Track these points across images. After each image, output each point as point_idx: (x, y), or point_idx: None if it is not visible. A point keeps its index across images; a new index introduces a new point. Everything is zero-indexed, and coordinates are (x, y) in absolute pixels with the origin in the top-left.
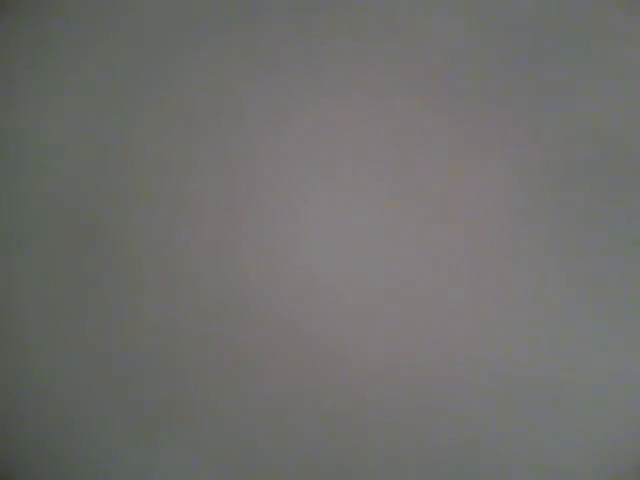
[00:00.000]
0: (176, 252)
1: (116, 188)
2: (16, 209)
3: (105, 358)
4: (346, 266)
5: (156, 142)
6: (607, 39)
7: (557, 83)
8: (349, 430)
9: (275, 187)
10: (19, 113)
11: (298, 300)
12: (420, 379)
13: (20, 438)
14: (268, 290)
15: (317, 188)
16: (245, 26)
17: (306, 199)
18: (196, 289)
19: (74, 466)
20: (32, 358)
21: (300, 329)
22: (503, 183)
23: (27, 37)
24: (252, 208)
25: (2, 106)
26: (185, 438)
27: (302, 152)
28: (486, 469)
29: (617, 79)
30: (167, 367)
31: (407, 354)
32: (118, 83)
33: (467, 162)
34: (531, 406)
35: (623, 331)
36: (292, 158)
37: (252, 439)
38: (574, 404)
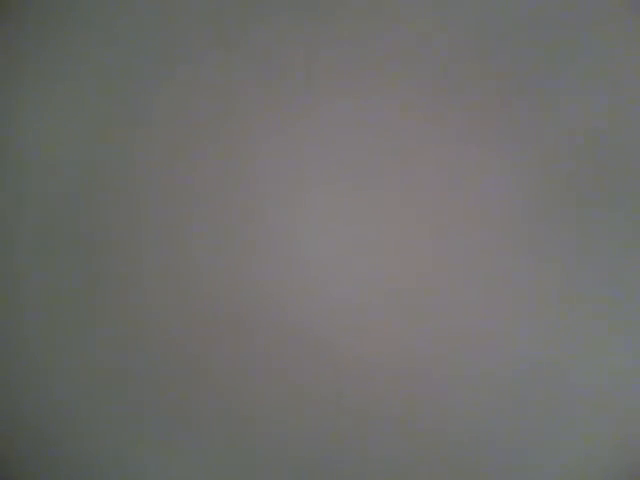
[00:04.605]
0: (179, 253)
1: (118, 190)
2: (17, 209)
3: (107, 358)
4: (347, 267)
5: (157, 144)
6: (607, 40)
7: (557, 83)
8: (352, 428)
9: (276, 188)
10: (20, 115)
11: (300, 300)
12: (422, 378)
13: (20, 438)
14: (271, 291)
15: (318, 189)
16: (245, 28)
17: (307, 200)
18: (199, 291)
19: (74, 466)
20: (33, 358)
21: (302, 329)
22: (502, 182)
23: (30, 38)
24: (253, 210)
25: (3, 107)
26: (187, 438)
27: (303, 153)
28: (486, 467)
29: (617, 79)
30: (169, 367)
31: (409, 353)
32: (120, 84)
33: (467, 162)
34: (533, 404)
35: (625, 330)
36: (293, 159)
37: (255, 438)
38: (576, 403)
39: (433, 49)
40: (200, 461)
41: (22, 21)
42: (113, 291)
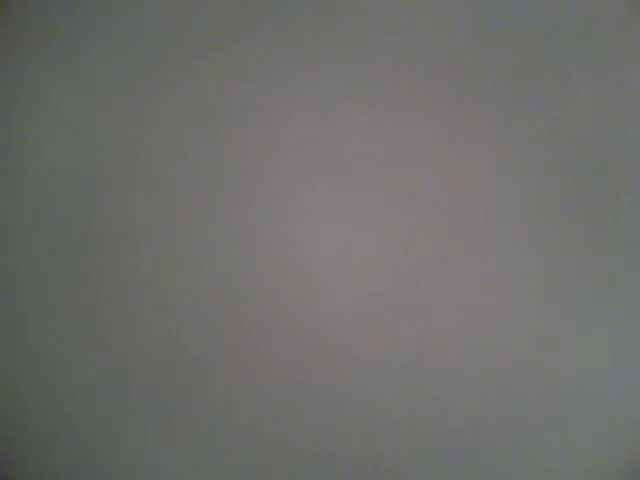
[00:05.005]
0: (177, 250)
1: (118, 189)
2: (17, 206)
3: (107, 356)
4: (346, 264)
5: (157, 144)
6: (606, 41)
7: (557, 83)
8: (350, 427)
9: (276, 186)
10: (20, 116)
11: (299, 298)
12: (420, 375)
13: (21, 438)
14: (269, 288)
15: (317, 187)
16: (246, 27)
17: (306, 198)
18: (198, 288)
19: (76, 465)
20: (34, 357)
21: (301, 327)
22: (502, 183)
23: (30, 39)
24: (252, 207)
25: (3, 108)
26: (188, 436)
27: (302, 152)
28: (485, 466)
29: (616, 80)
30: (169, 366)
31: (407, 350)
32: (119, 81)
33: (467, 162)
34: (532, 404)
35: (625, 329)
36: (292, 158)
37: (254, 438)
38: (574, 403)
39: (433, 49)
40: (201, 462)
41: (22, 22)
42: (113, 291)
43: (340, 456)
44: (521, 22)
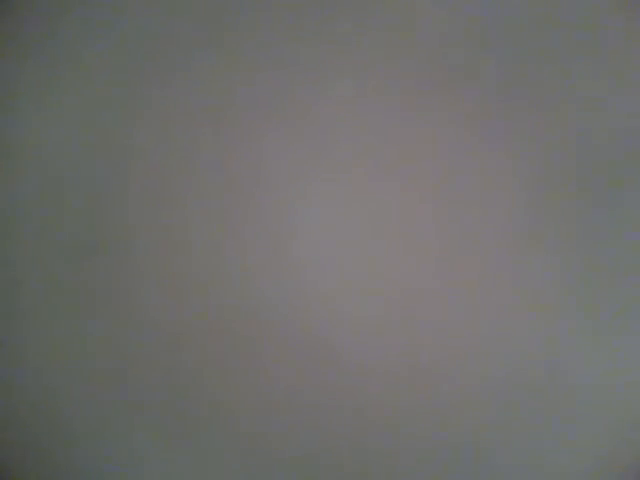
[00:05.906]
0: (177, 253)
1: (117, 189)
2: (17, 209)
3: (107, 358)
4: (347, 267)
5: (156, 142)
6: (607, 40)
7: (557, 83)
8: (349, 430)
9: (275, 188)
10: (19, 116)
11: (299, 301)
12: (419, 380)
13: (20, 437)
14: (269, 291)
15: (318, 189)
16: (245, 25)
17: (307, 201)
18: (197, 290)
19: (74, 467)
20: (32, 358)
21: (300, 329)
22: (503, 182)
23: (29, 39)
24: (253, 209)
25: (2, 109)
26: (186, 437)
27: (302, 151)
28: (486, 468)
29: (616, 80)
30: (168, 367)
31: (407, 355)
32: (118, 82)
33: (467, 161)
34: (531, 407)
35: (623, 331)
36: (292, 158)
37: (253, 438)
38: (574, 405)
39: (435, 46)
40: (201, 462)
41: (22, 22)
42: (113, 291)
43: (339, 458)
44: (523, 20)
